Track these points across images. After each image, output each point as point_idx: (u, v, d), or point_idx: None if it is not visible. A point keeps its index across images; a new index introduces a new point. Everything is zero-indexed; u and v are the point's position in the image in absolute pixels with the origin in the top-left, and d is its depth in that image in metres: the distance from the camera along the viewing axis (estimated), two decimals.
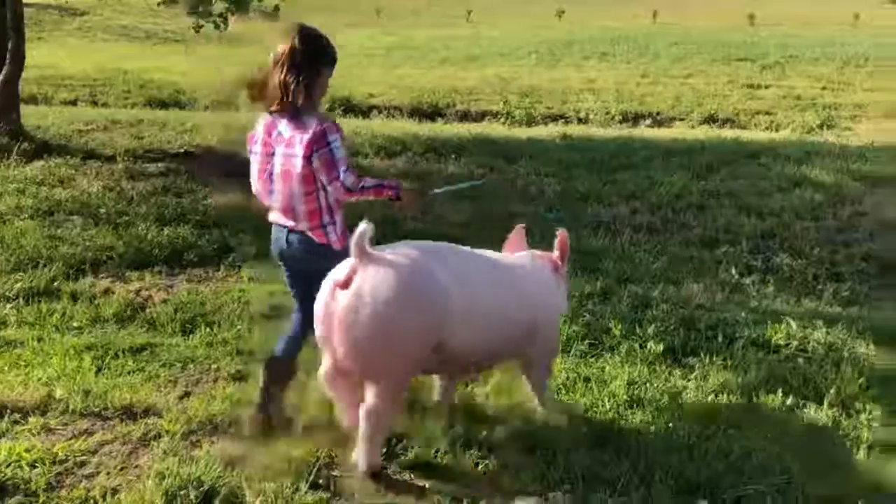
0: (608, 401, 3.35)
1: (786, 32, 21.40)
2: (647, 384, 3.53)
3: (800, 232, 5.82)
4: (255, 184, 2.97)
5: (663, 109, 11.62)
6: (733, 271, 5.02)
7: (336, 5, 24.39)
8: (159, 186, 6.37)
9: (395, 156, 8.00)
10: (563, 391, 3.45)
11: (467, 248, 2.96)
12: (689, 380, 3.61)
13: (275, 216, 2.95)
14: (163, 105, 11.36)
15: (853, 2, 28.14)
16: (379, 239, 2.69)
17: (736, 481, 2.73)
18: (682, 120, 11.08)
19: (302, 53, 2.81)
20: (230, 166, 5.74)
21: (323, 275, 2.70)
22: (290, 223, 2.89)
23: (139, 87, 12.29)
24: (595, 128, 10.48)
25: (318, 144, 2.77)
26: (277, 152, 2.87)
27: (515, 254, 3.17)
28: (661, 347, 3.86)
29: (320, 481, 2.72)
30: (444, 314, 2.63)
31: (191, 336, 3.92)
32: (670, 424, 3.17)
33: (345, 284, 2.58)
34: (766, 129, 10.50)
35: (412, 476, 2.81)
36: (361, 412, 2.65)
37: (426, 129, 9.68)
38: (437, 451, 2.91)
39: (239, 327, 3.96)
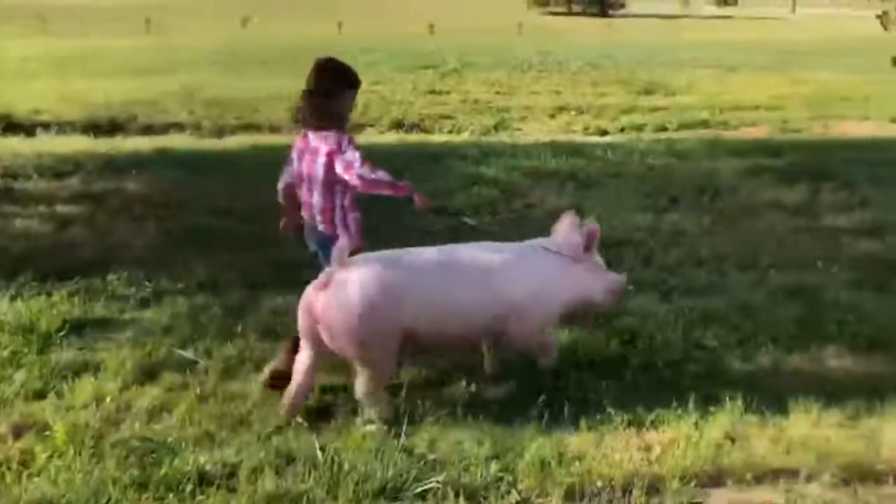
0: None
1: (462, 41, 22.99)
2: (345, 390, 3.57)
3: (479, 226, 6.25)
4: (281, 183, 3.74)
5: (355, 117, 11.86)
6: None
7: None
8: None
9: (66, 176, 7.29)
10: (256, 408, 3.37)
11: (433, 250, 3.57)
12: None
13: (305, 213, 3.65)
14: None
15: (517, 13, 31.11)
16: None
17: (419, 476, 2.84)
18: (371, 126, 11.38)
19: (321, 81, 3.50)
20: None
21: (328, 261, 3.35)
22: (311, 218, 3.59)
23: None
24: (287, 136, 10.41)
25: (336, 154, 3.41)
26: (305, 160, 3.53)
27: (512, 245, 3.69)
28: None
29: None
30: (402, 308, 3.23)
31: None
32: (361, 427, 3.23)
33: (325, 286, 3.22)
34: (449, 132, 11.14)
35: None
36: (357, 388, 3.32)
37: (103, 144, 8.96)
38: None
39: None
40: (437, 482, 2.81)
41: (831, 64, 17.87)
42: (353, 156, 3.38)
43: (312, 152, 3.51)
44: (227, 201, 6.67)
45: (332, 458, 2.92)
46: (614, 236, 6.03)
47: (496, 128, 11.23)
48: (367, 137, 10.32)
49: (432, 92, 13.92)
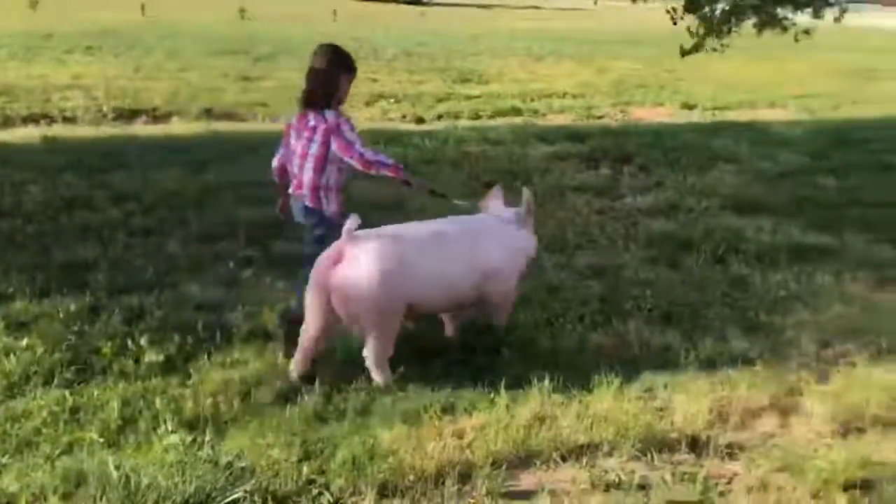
0: (97, 428, 3.06)
1: (274, 26, 22.37)
2: (144, 400, 3.32)
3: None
4: (275, 161, 4.00)
5: (160, 105, 11.18)
6: (231, 265, 5.03)
7: None
8: None
9: None
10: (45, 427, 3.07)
11: (425, 223, 3.88)
12: (187, 387, 3.48)
13: (292, 188, 3.86)
14: None
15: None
16: None
17: (225, 487, 2.69)
18: (179, 115, 10.79)
19: (322, 65, 3.74)
20: None
21: (311, 232, 3.82)
22: (299, 192, 3.81)
23: None
24: (85, 127, 9.66)
25: (334, 133, 3.65)
26: (302, 137, 3.75)
27: (480, 214, 4.06)
28: (158, 358, 3.67)
29: None
30: (409, 280, 3.51)
31: None
32: (163, 440, 3.01)
33: (337, 259, 3.46)
34: (263, 119, 10.78)
35: None
36: (365, 351, 3.55)
37: None
38: None
39: None
40: (245, 491, 2.67)
41: (630, 54, 19.03)
42: (353, 136, 3.68)
43: (311, 130, 3.73)
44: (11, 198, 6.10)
45: (128, 476, 2.70)
46: None
47: None
48: (170, 128, 9.80)
49: (245, 78, 13.42)
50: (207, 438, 3.01)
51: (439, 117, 11.17)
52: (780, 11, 8.21)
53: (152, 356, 3.68)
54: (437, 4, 38.23)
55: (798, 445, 2.92)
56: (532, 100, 12.59)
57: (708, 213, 6.59)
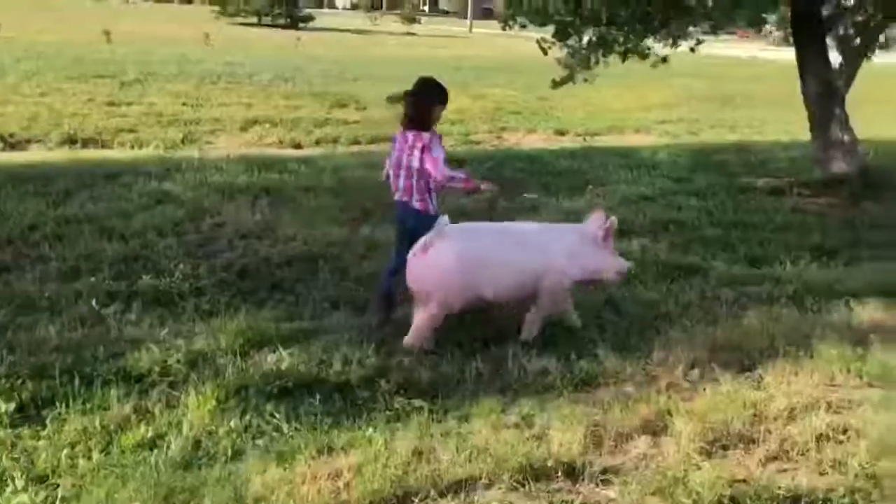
0: None
1: (142, 49, 21.59)
2: None
3: (163, 250, 5.81)
4: (386, 171, 4.70)
5: (16, 131, 10.52)
6: (94, 303, 4.74)
7: None
8: None
9: None
10: None
11: (500, 225, 4.90)
12: (41, 438, 3.23)
13: (398, 194, 4.60)
14: None
15: (204, 23, 29.97)
16: None
17: None
18: (39, 142, 10.18)
19: (422, 93, 4.58)
20: None
21: (417, 230, 4.42)
22: (406, 198, 4.55)
23: None
24: None
25: (426, 151, 4.40)
26: (405, 152, 4.49)
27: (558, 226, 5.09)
28: (8, 407, 3.39)
29: None
30: (474, 272, 4.24)
31: None
32: (11, 501, 2.76)
33: (424, 251, 4.22)
34: (131, 147, 10.32)
35: None
36: (416, 318, 4.34)
37: None
38: None
39: None
40: None
41: (504, 81, 19.50)
42: (439, 155, 4.43)
43: (410, 147, 4.48)
44: None
45: None
46: (308, 252, 5.99)
47: (184, 141, 10.62)
48: (28, 155, 9.23)
49: (111, 104, 12.84)
50: (61, 495, 2.78)
51: (317, 143, 11.05)
52: (644, 42, 8.62)
53: (1, 405, 3.39)
54: (314, 30, 38.04)
55: (669, 467, 2.99)
56: None
57: None
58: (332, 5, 71.72)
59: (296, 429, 3.34)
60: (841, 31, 9.54)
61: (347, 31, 39.19)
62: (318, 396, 3.67)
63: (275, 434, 3.31)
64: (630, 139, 12.77)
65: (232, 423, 3.35)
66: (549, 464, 2.99)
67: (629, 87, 17.99)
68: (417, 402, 3.61)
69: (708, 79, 22.43)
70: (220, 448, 3.18)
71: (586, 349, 4.33)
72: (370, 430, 3.29)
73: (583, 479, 2.96)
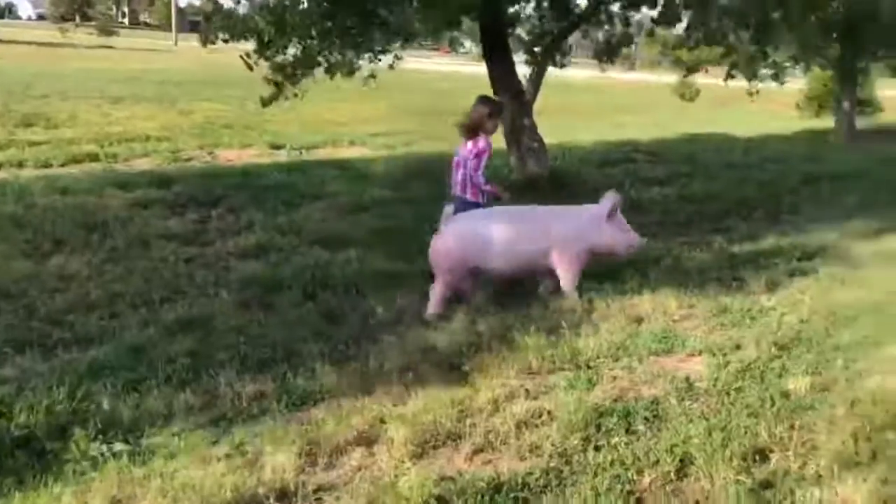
0: None
1: None
2: None
3: None
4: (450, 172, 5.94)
5: None
6: None
7: None
8: None
9: None
10: None
11: (510, 208, 5.77)
12: None
13: (455, 188, 5.86)
14: None
15: None
16: None
17: None
18: None
19: (479, 108, 5.81)
20: None
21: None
22: (459, 192, 5.80)
23: None
24: None
25: (476, 157, 5.69)
26: (462, 156, 5.76)
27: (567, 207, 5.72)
28: None
29: None
30: (470, 251, 5.19)
31: None
32: None
33: (436, 234, 5.35)
34: None
35: None
36: (431, 292, 5.30)
37: None
38: None
39: None
40: None
41: (215, 95, 18.87)
42: (480, 165, 5.65)
43: (468, 152, 5.68)
44: None
45: None
46: None
47: None
48: None
49: None
50: None
51: None
52: (347, 56, 8.74)
53: None
54: None
55: (381, 475, 3.01)
56: (111, 144, 11.79)
57: (298, 250, 6.70)
58: (14, 15, 64.84)
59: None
60: (527, 42, 10.44)
61: (29, 43, 35.55)
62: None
63: None
64: (346, 152, 12.94)
65: None
66: (261, 491, 2.88)
67: (344, 100, 18.25)
68: (118, 447, 3.30)
69: (419, 92, 23.48)
70: None
71: (305, 366, 4.26)
72: (58, 486, 2.93)
73: (296, 501, 2.88)
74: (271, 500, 2.84)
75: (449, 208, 5.38)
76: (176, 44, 46.90)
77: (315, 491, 2.94)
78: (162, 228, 7.22)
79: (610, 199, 5.41)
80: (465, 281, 5.31)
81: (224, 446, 3.33)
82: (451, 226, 5.28)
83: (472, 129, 5.72)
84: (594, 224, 5.34)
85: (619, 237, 5.42)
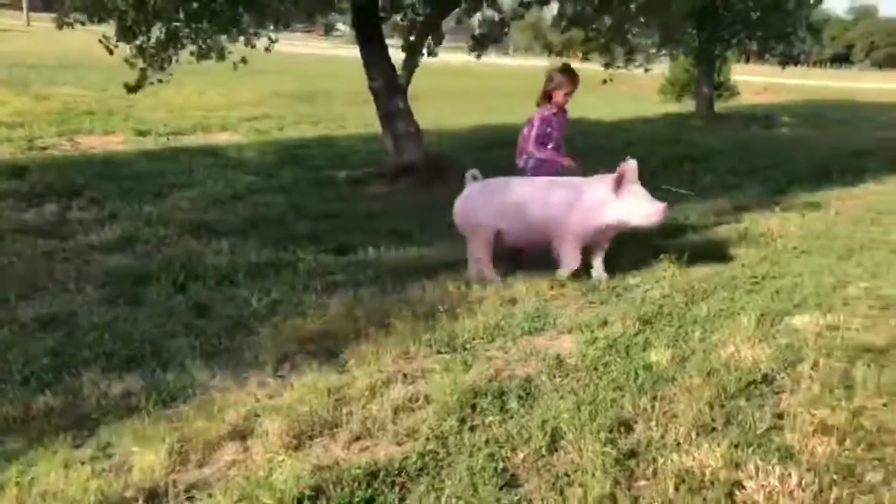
0: None
1: None
2: None
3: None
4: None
5: None
6: None
7: None
8: None
9: None
10: None
11: (528, 179, 5.81)
12: None
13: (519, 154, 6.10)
14: None
15: None
16: None
17: None
18: None
19: (546, 82, 6.04)
20: None
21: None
22: (518, 159, 6.11)
23: None
24: None
25: (530, 126, 6.00)
26: (527, 125, 6.05)
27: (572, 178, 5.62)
28: None
29: None
30: (488, 214, 5.39)
31: None
32: None
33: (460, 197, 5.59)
34: None
35: None
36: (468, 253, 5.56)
37: None
38: None
39: None
40: None
41: (73, 79, 17.84)
42: (533, 133, 5.95)
43: (531, 121, 6.03)
44: None
45: None
46: None
47: None
48: None
49: None
50: None
51: None
52: (217, 39, 8.47)
53: None
54: None
55: (255, 470, 2.96)
56: None
57: (166, 241, 6.47)
58: None
59: None
60: (401, 27, 10.40)
61: None
62: None
63: None
64: (217, 138, 12.56)
65: None
66: (129, 493, 2.77)
67: (214, 84, 17.68)
68: None
69: (292, 76, 23.02)
70: None
71: (175, 361, 4.12)
72: None
73: (167, 501, 2.79)
74: (140, 502, 2.75)
75: (471, 172, 5.61)
76: (28, 24, 43.86)
77: (187, 490, 2.85)
78: (17, 221, 6.81)
79: (631, 168, 5.17)
80: (486, 241, 5.46)
81: (88, 449, 3.18)
82: (468, 188, 5.57)
83: (543, 96, 6.05)
84: (611, 195, 5.19)
85: (635, 209, 5.16)
